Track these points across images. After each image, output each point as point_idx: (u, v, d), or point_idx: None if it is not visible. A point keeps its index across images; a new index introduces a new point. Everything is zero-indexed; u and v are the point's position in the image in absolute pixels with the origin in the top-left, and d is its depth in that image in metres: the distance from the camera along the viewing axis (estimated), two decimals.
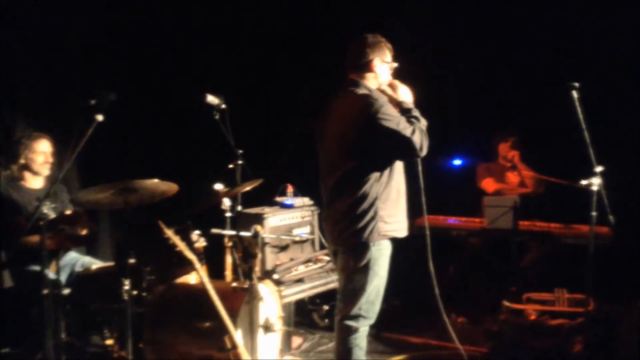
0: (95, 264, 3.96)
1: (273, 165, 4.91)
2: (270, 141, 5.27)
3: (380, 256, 3.03)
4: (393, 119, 2.94)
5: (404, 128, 2.94)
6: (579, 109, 3.29)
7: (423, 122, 3.07)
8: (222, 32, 5.17)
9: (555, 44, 4.92)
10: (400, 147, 2.96)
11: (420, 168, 3.14)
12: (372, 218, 2.98)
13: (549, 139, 5.01)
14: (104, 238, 4.96)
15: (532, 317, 3.99)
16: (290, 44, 5.27)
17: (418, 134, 2.95)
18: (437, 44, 5.08)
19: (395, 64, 3.18)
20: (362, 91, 3.03)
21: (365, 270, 3.01)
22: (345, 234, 3.05)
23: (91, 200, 3.37)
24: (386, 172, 3.03)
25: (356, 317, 3.07)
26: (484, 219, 4.65)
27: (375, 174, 3.00)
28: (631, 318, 3.79)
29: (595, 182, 3.32)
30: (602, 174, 3.33)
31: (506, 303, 4.08)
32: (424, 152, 2.99)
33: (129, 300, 3.14)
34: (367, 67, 3.07)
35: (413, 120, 3.03)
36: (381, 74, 3.12)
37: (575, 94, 3.29)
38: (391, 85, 3.17)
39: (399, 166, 3.11)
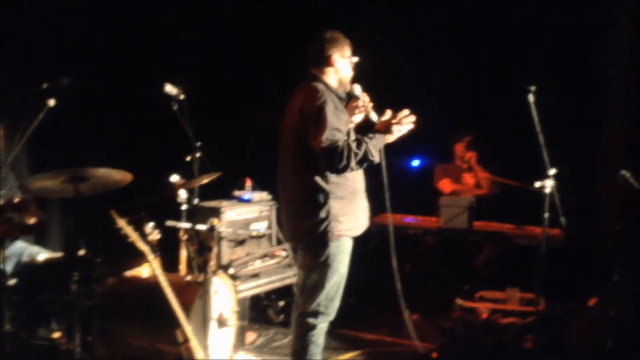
0: (44, 253, 3.83)
1: (232, 159, 4.85)
2: (230, 134, 5.20)
3: (339, 252, 3.03)
4: (327, 121, 2.87)
5: (331, 136, 2.85)
6: (534, 112, 3.36)
7: (373, 156, 2.93)
8: (184, 21, 5.07)
9: (512, 46, 5.02)
10: (323, 151, 2.86)
11: (384, 165, 3.11)
12: (326, 217, 2.97)
13: (505, 141, 5.11)
14: (53, 227, 4.80)
15: (484, 315, 4.06)
16: (254, 36, 5.22)
17: (345, 152, 2.84)
18: (395, 45, 5.12)
19: (356, 59, 3.19)
20: (315, 84, 3.04)
21: (324, 266, 3.01)
22: (300, 231, 3.05)
23: (40, 188, 3.26)
24: None
25: (315, 314, 3.06)
26: (440, 218, 4.72)
27: (327, 172, 2.96)
28: (581, 317, 3.90)
29: (548, 185, 3.39)
30: (555, 176, 3.41)
31: (459, 301, 4.14)
32: (336, 171, 2.90)
33: (78, 292, 3.05)
34: (326, 62, 3.10)
35: (359, 140, 2.93)
36: (341, 68, 3.14)
37: (531, 97, 3.36)
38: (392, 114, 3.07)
39: None
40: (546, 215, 3.41)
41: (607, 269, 3.72)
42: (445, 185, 5.26)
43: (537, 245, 3.59)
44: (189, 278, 3.39)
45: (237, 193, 4.32)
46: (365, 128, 3.12)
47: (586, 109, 4.92)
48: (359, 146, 2.89)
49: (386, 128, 3.02)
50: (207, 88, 4.95)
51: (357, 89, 3.16)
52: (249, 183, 4.39)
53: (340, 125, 2.91)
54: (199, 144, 4.02)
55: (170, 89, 3.82)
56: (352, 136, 3.06)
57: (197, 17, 5.15)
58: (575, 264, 4.55)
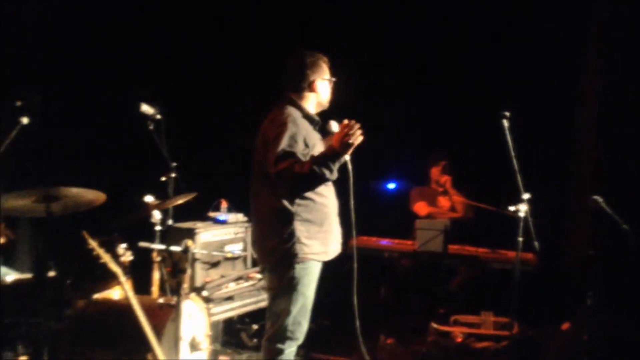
0: (12, 274, 3.73)
1: (208, 180, 4.81)
2: (205, 155, 5.17)
3: (306, 275, 2.97)
4: (285, 144, 2.81)
5: (282, 157, 2.78)
6: (508, 137, 3.41)
7: (322, 172, 2.80)
8: (161, 41, 5.07)
9: (486, 72, 5.11)
10: (275, 173, 2.81)
11: (351, 189, 2.99)
12: (289, 238, 2.92)
13: (480, 165, 5.17)
14: (22, 248, 4.69)
15: (459, 340, 4.07)
16: (231, 57, 5.23)
17: (291, 173, 2.76)
18: (371, 69, 5.18)
19: (334, 79, 3.16)
20: (286, 109, 2.98)
21: (289, 289, 2.95)
22: (265, 251, 3.02)
23: (10, 207, 3.18)
24: (309, 193, 2.94)
25: (282, 339, 2.99)
26: (416, 241, 4.73)
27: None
28: (554, 341, 3.92)
29: (522, 209, 3.43)
30: (529, 201, 3.45)
31: (434, 325, 4.14)
32: (290, 195, 2.87)
33: (46, 315, 2.97)
34: (308, 88, 3.07)
35: (319, 167, 2.78)
36: (321, 91, 3.11)
37: (505, 122, 3.41)
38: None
39: (327, 188, 3.05)
40: (520, 239, 3.44)
41: (579, 293, 3.76)
42: (420, 208, 5.28)
43: (512, 269, 3.61)
44: (161, 300, 3.33)
45: (212, 214, 4.28)
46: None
47: (558, 134, 5.02)
48: (302, 167, 2.78)
49: (340, 142, 2.79)
50: (183, 108, 4.94)
51: (334, 126, 3.00)
52: (224, 204, 4.35)
53: (293, 149, 2.84)
54: (174, 164, 3.98)
55: (146, 108, 3.79)
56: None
57: (175, 37, 5.15)
58: (549, 288, 4.59)
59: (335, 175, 2.87)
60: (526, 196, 3.45)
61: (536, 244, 3.45)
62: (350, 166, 2.91)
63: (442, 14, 5.23)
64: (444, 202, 5.33)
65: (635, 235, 3.42)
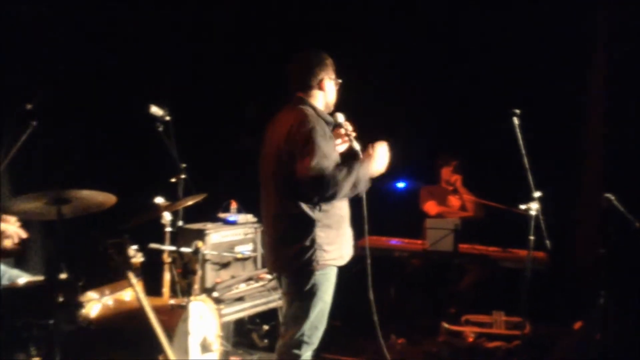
0: (24, 277, 3.75)
1: (217, 181, 4.82)
2: (215, 156, 5.18)
3: (325, 281, 2.94)
4: (316, 147, 2.77)
5: (320, 163, 2.74)
6: (519, 135, 3.39)
7: (361, 185, 2.85)
8: (170, 42, 5.08)
9: (497, 71, 5.09)
10: (303, 177, 2.76)
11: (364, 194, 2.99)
12: (310, 245, 2.87)
13: (490, 164, 5.15)
14: (34, 250, 4.72)
15: (470, 339, 4.06)
16: (238, 58, 5.24)
17: (333, 179, 2.74)
18: (382, 67, 5.16)
19: (340, 80, 3.14)
20: (304, 109, 2.95)
21: (309, 295, 2.92)
22: (284, 259, 2.96)
23: (21, 210, 3.19)
24: None
25: (299, 344, 2.96)
26: (426, 241, 4.71)
27: (314, 200, 2.87)
28: (566, 341, 3.90)
29: (534, 207, 3.41)
30: (540, 199, 3.43)
31: (445, 325, 4.13)
32: (324, 199, 2.82)
33: (58, 317, 2.98)
34: (317, 86, 3.03)
35: (349, 168, 2.82)
36: (329, 91, 3.08)
37: (515, 120, 3.39)
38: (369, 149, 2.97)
39: None
40: (531, 238, 3.42)
41: (591, 292, 3.73)
42: (430, 207, 5.26)
43: (523, 268, 3.60)
44: (172, 302, 3.33)
45: (222, 215, 4.28)
46: (349, 158, 3.03)
47: (567, 133, 4.99)
48: (348, 175, 2.79)
49: (372, 161, 2.92)
50: (193, 109, 4.95)
51: (340, 117, 3.07)
52: (234, 205, 4.35)
53: (329, 151, 2.83)
54: (183, 165, 3.99)
55: (155, 110, 3.80)
56: (341, 165, 2.96)
57: (184, 38, 5.15)
58: (561, 287, 4.56)
59: (365, 189, 2.90)
60: (537, 194, 3.43)
61: (548, 242, 3.42)
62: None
63: (453, 14, 5.21)
64: (454, 201, 5.31)
65: None
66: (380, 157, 2.94)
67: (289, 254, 2.92)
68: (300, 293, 2.94)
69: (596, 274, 4.04)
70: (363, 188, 2.88)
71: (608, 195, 3.52)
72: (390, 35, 5.31)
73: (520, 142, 3.39)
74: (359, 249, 3.68)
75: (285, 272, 3.03)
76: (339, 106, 3.17)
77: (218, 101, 5.20)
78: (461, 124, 5.36)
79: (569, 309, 4.17)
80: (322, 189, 2.76)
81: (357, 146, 3.03)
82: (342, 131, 3.08)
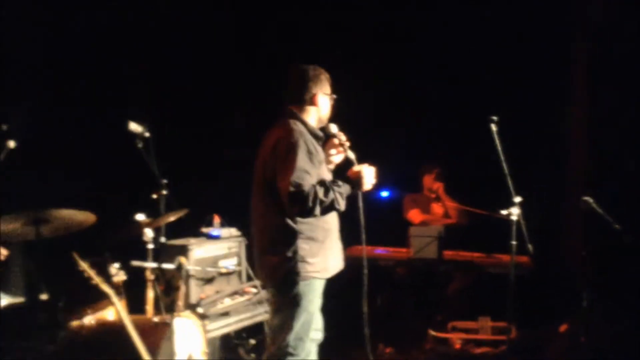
0: (5, 299, 3.69)
1: (200, 196, 4.80)
2: (197, 170, 5.15)
3: (310, 291, 2.95)
4: (296, 163, 2.79)
5: (298, 179, 2.77)
6: (497, 142, 3.42)
7: (339, 204, 2.87)
8: (149, 56, 5.06)
9: (476, 77, 5.14)
10: (284, 191, 2.80)
11: (361, 203, 3.05)
12: (292, 257, 2.88)
13: (473, 170, 5.18)
14: (14, 271, 4.65)
15: (457, 346, 4.06)
16: (220, 72, 5.23)
17: (311, 197, 2.77)
18: (361, 78, 5.19)
19: (335, 96, 3.15)
20: (292, 123, 2.97)
21: (293, 305, 2.92)
22: (267, 269, 2.99)
23: (1, 231, 3.16)
24: None
25: (284, 355, 2.95)
26: (410, 249, 4.72)
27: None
28: (553, 344, 3.92)
29: (515, 212, 3.43)
30: (521, 204, 3.45)
31: (432, 332, 4.13)
32: (299, 215, 2.85)
33: (40, 338, 2.95)
34: (310, 101, 3.05)
35: (327, 187, 2.83)
36: (322, 106, 3.09)
37: (494, 127, 3.42)
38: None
39: None
40: (513, 242, 3.44)
41: (575, 295, 3.76)
42: (414, 215, 5.28)
43: (507, 273, 3.61)
44: (156, 319, 3.30)
45: (205, 230, 4.25)
46: (346, 168, 3.06)
47: (548, 137, 5.04)
48: (326, 193, 2.81)
49: (357, 179, 2.95)
50: (174, 124, 4.93)
51: (334, 128, 3.09)
52: (217, 219, 4.33)
53: (309, 168, 2.84)
54: (164, 181, 3.96)
55: (134, 127, 3.78)
56: (329, 177, 3.02)
57: (162, 52, 5.13)
58: (545, 290, 4.58)
59: (344, 207, 2.92)
60: (518, 199, 3.45)
61: (530, 246, 3.45)
62: None
63: (430, 23, 5.26)
64: (437, 208, 5.33)
65: (628, 235, 3.43)
66: (366, 179, 2.96)
67: (272, 264, 2.95)
68: (283, 303, 2.95)
69: (579, 277, 4.08)
70: (342, 207, 2.90)
71: (587, 198, 3.55)
72: (369, 43, 5.34)
73: (499, 148, 3.42)
74: (347, 258, 3.68)
75: (269, 282, 3.07)
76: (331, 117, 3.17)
77: (200, 115, 5.19)
78: (443, 131, 5.39)
79: (554, 312, 4.19)
80: (300, 203, 2.78)
81: (351, 155, 3.06)
82: (336, 141, 3.09)
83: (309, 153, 2.88)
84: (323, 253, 2.98)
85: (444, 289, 4.90)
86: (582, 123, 4.99)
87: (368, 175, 2.96)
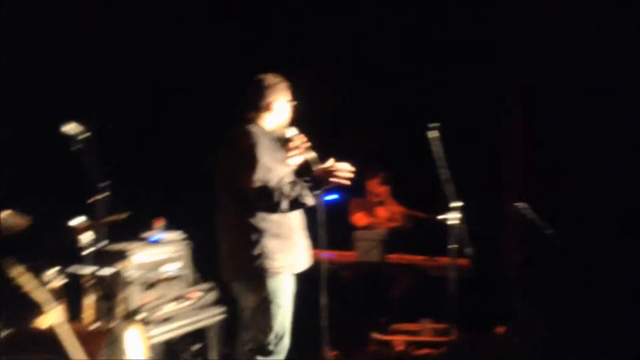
0: None
1: (146, 198, 4.71)
2: (141, 172, 5.05)
3: (280, 288, 3.04)
4: (258, 161, 2.92)
5: (262, 175, 2.90)
6: (438, 147, 3.50)
7: (305, 200, 2.98)
8: (89, 57, 4.93)
9: (417, 84, 5.23)
10: (249, 190, 2.92)
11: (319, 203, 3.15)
12: (259, 255, 2.98)
13: (416, 175, 5.27)
14: None
15: (400, 348, 4.12)
16: (163, 71, 5.14)
17: (277, 192, 2.89)
18: (308, 85, 5.19)
19: (295, 102, 3.23)
20: (249, 127, 3.08)
21: (267, 304, 3.01)
22: (235, 269, 3.08)
23: None
24: None
25: (264, 352, 3.05)
26: (356, 252, 4.76)
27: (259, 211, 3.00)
28: (490, 345, 4.02)
29: (454, 216, 3.52)
30: (460, 208, 3.54)
31: (375, 335, 4.17)
32: (267, 210, 2.95)
33: None
34: (266, 107, 3.15)
35: (294, 182, 2.97)
36: (279, 113, 3.19)
37: (434, 133, 3.50)
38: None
39: None
40: (453, 246, 3.53)
41: (512, 297, 3.87)
42: (359, 219, 5.33)
43: (448, 275, 3.69)
44: (94, 326, 3.22)
45: (147, 234, 4.17)
46: (307, 169, 3.16)
47: (488, 143, 5.17)
48: (292, 188, 2.93)
49: (324, 175, 3.05)
50: (118, 125, 4.82)
51: (290, 132, 3.20)
52: (160, 223, 4.24)
53: (272, 164, 2.96)
54: (106, 183, 3.86)
55: (71, 127, 3.66)
56: (289, 178, 3.08)
57: (104, 54, 5.01)
58: (484, 292, 4.70)
59: (312, 202, 3.01)
60: (457, 204, 3.54)
61: (469, 250, 3.54)
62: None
63: (374, 29, 5.33)
64: (381, 212, 5.39)
65: (559, 240, 3.55)
66: (332, 174, 3.06)
67: (240, 261, 3.04)
68: (258, 304, 3.03)
69: (514, 280, 4.20)
70: (310, 202, 3.00)
71: (520, 204, 3.67)
72: (318, 48, 5.36)
73: (439, 154, 3.49)
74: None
75: (238, 282, 3.13)
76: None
77: (143, 116, 5.09)
78: (388, 136, 5.47)
79: (493, 314, 4.30)
80: (267, 198, 2.89)
81: (312, 155, 3.15)
82: (292, 144, 3.21)
83: (269, 151, 3.01)
84: (289, 249, 3.08)
85: (388, 292, 4.96)
86: (519, 129, 5.15)
87: (333, 170, 3.04)
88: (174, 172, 4.92)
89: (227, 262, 3.14)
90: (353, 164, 5.32)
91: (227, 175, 3.07)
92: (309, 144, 3.19)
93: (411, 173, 5.31)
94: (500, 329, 3.96)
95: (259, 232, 3.00)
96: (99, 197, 3.79)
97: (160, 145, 5.09)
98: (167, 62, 5.13)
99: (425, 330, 4.25)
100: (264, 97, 3.14)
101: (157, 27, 5.10)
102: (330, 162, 3.09)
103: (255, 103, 3.16)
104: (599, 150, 4.69)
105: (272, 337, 3.05)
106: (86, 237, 3.57)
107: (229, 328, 4.00)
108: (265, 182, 2.90)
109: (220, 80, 4.86)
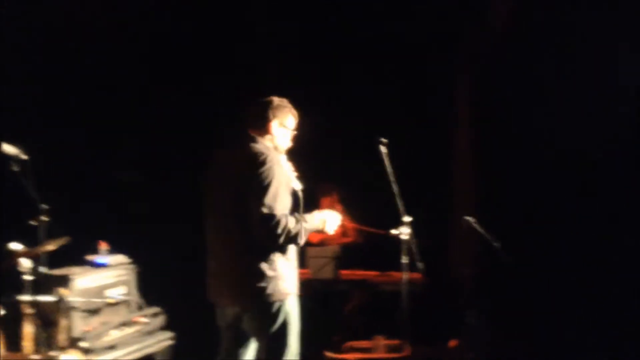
0: None
1: (87, 222, 4.54)
2: (83, 195, 4.89)
3: (292, 311, 3.04)
4: (272, 187, 2.90)
5: (273, 202, 2.88)
6: (387, 162, 3.51)
7: (302, 238, 3.00)
8: (25, 74, 4.76)
9: (366, 101, 5.27)
10: (261, 217, 2.88)
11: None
12: (274, 277, 2.95)
13: (370, 191, 5.28)
14: None
15: None
16: (109, 89, 5.02)
17: (282, 225, 2.88)
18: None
19: (295, 132, 3.21)
20: (259, 147, 3.05)
21: (285, 326, 3.00)
22: (249, 293, 2.99)
23: None
24: None
25: None
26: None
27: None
28: (443, 359, 4.04)
29: (404, 231, 3.53)
30: (410, 223, 3.55)
31: (328, 353, 4.12)
32: (265, 240, 2.93)
33: None
34: (265, 128, 3.12)
35: (297, 219, 2.96)
36: (279, 137, 3.16)
37: (383, 148, 3.51)
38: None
39: None
40: (404, 261, 3.53)
41: (463, 310, 3.90)
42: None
43: (400, 290, 3.69)
44: (34, 357, 3.06)
45: (90, 258, 4.02)
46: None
47: (437, 158, 5.25)
48: (295, 225, 2.92)
49: (322, 222, 3.14)
50: (57, 146, 4.66)
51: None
52: (104, 246, 4.10)
53: (283, 196, 2.94)
54: (44, 206, 3.71)
55: (8, 148, 3.51)
56: (289, 209, 3.06)
57: (43, 67, 4.85)
58: (437, 306, 4.73)
59: (303, 242, 3.05)
60: (407, 219, 3.55)
61: (419, 264, 3.55)
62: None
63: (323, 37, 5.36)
64: None
65: (506, 254, 3.61)
66: (330, 223, 3.19)
67: (253, 286, 2.95)
68: (274, 327, 2.99)
69: (463, 294, 4.24)
70: (302, 242, 3.01)
71: (468, 217, 3.71)
72: (265, 61, 5.35)
73: (388, 169, 3.51)
74: None
75: (249, 308, 3.05)
76: None
77: (86, 135, 4.94)
78: (339, 152, 5.48)
79: (446, 328, 4.32)
80: (271, 227, 2.87)
81: (297, 187, 3.13)
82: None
83: (283, 179, 2.97)
84: (294, 271, 3.10)
85: (342, 309, 4.93)
86: (467, 144, 5.24)
87: (332, 220, 3.18)
88: (118, 196, 4.78)
89: (236, 287, 3.05)
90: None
91: (237, 197, 2.98)
92: (295, 173, 3.19)
93: (362, 188, 5.31)
94: (453, 343, 3.97)
95: (274, 255, 2.97)
96: (39, 220, 3.64)
97: (103, 166, 4.95)
98: (109, 83, 5.02)
99: (379, 347, 4.23)
100: (264, 117, 3.12)
101: (106, 45, 4.99)
102: (328, 213, 3.21)
103: (256, 121, 3.14)
104: (546, 164, 4.81)
105: (288, 356, 3.03)
106: (25, 263, 3.41)
107: (177, 354, 3.89)
108: (273, 209, 2.88)
109: (160, 103, 4.77)
